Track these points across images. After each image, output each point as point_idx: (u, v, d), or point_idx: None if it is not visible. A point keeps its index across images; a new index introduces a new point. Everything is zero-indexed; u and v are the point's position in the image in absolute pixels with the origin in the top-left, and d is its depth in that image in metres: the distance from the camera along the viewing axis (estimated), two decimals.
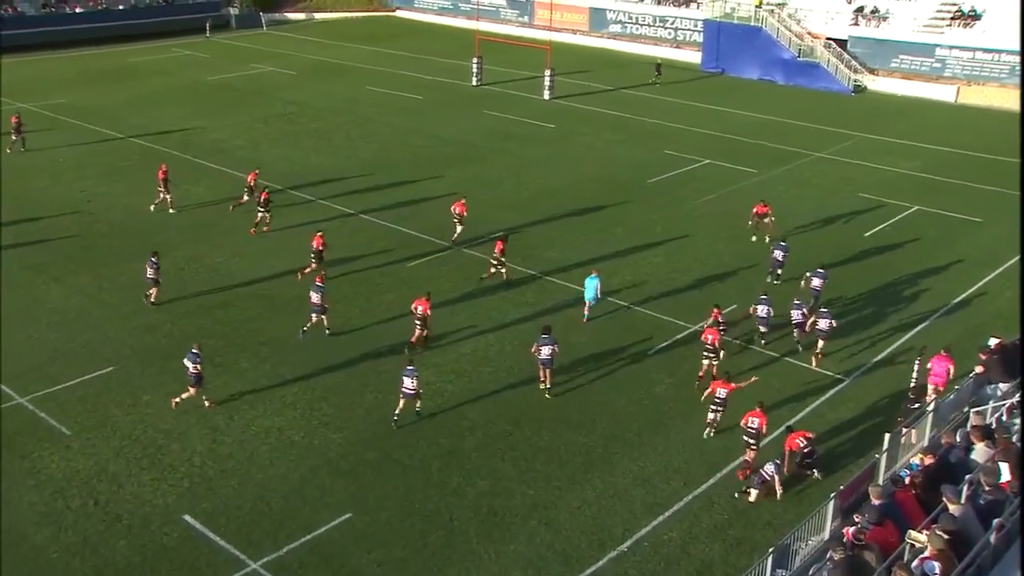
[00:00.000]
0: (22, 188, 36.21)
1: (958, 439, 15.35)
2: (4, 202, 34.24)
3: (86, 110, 48.73)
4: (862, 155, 42.82)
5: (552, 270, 29.52)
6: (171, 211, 34.00)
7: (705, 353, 22.77)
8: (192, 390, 21.48)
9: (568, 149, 43.42)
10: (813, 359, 24.01)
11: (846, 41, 58.80)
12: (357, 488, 19.16)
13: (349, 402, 22.23)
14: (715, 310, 23.77)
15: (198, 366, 21.27)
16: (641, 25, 69.18)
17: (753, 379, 21.62)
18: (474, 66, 56.35)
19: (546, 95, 53.01)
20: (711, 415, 20.84)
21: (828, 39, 58.75)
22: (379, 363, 23.91)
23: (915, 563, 11.23)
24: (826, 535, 14.72)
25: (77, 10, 70.13)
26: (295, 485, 19.23)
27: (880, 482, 15.33)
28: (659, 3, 68.78)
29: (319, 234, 28.75)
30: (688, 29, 66.22)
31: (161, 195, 34.07)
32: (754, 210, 31.51)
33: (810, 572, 13.67)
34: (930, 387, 20.84)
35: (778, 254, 28.37)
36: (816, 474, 19.36)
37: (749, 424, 19.26)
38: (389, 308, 26.82)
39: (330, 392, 22.65)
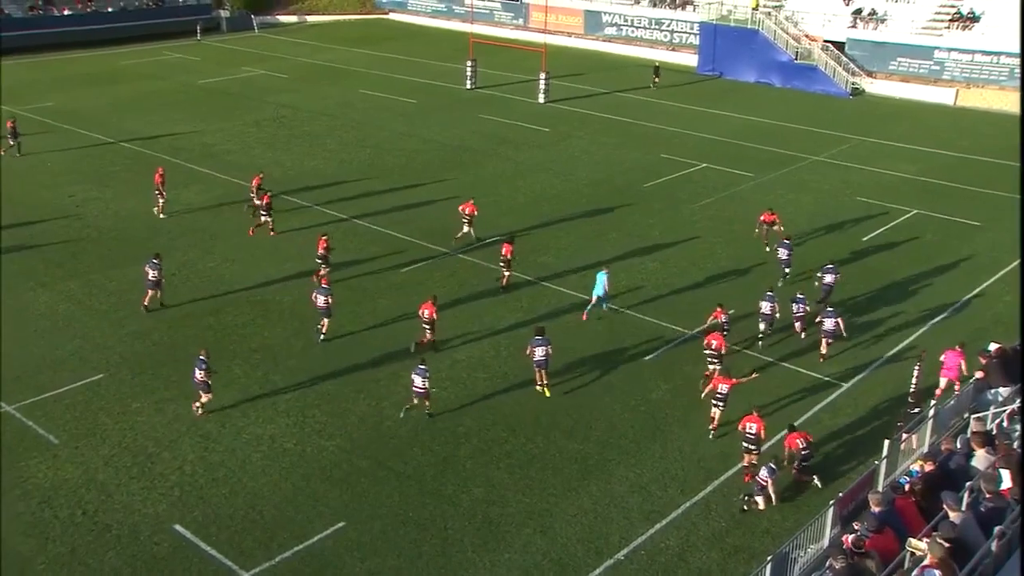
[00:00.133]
0: (10, 192, 36.12)
1: (958, 445, 15.36)
2: None
3: (75, 114, 48.69)
4: (860, 158, 42.91)
5: (547, 275, 29.53)
6: (161, 216, 33.95)
7: (709, 357, 22.85)
8: (205, 396, 21.60)
9: (564, 153, 43.46)
10: (820, 358, 24.39)
11: (844, 43, 58.93)
12: (350, 496, 19.12)
13: (342, 409, 22.19)
14: (718, 310, 23.93)
15: (202, 372, 21.37)
16: (636, 28, 69.30)
17: (754, 375, 21.91)
18: (468, 69, 56.39)
19: (541, 98, 53.06)
20: (714, 410, 21.09)
21: (826, 41, 58.88)
22: (373, 370, 23.89)
23: (915, 571, 11.22)
24: (825, 543, 14.71)
25: (65, 12, 70.08)
26: (287, 493, 19.18)
27: (880, 489, 15.31)
28: (654, 5, 68.94)
29: (323, 237, 28.79)
30: (684, 32, 66.34)
31: (160, 200, 34.10)
32: (761, 218, 31.43)
33: None
34: (943, 381, 21.00)
35: (783, 252, 28.68)
36: (816, 481, 19.40)
37: (747, 430, 19.32)
38: (382, 314, 26.80)
39: (323, 399, 22.60)
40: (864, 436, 21.20)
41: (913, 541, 12.06)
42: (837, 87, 56.90)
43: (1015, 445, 14.57)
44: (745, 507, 18.74)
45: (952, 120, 51.02)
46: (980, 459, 14.61)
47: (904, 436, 17.26)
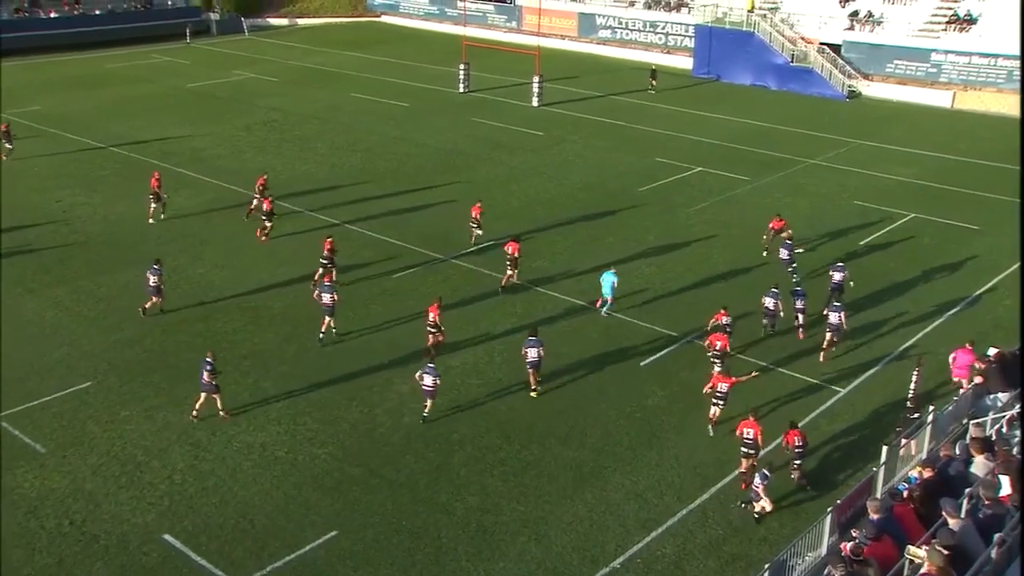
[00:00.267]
0: None
1: (957, 451, 15.37)
2: None
3: (62, 117, 48.61)
4: (857, 162, 43.02)
5: (542, 280, 29.54)
6: (150, 221, 33.92)
7: (712, 357, 23.14)
8: (214, 398, 21.70)
9: (558, 157, 43.51)
10: (821, 354, 24.76)
11: (840, 46, 59.11)
12: (343, 505, 19.08)
13: (334, 417, 22.16)
14: (721, 312, 24.14)
15: (207, 374, 21.49)
16: (631, 30, 69.44)
17: (754, 373, 22.28)
18: (461, 72, 56.42)
19: (535, 102, 53.12)
20: (713, 409, 21.33)
21: (822, 44, 59.05)
22: (365, 376, 23.86)
23: None
24: (823, 550, 14.71)
25: (52, 14, 69.99)
26: (279, 502, 19.14)
27: (878, 496, 15.33)
28: (649, 8, 69.10)
29: (329, 239, 28.83)
30: (679, 34, 66.50)
31: (160, 204, 34.13)
32: (770, 225, 31.48)
33: None
34: (955, 379, 21.08)
35: (783, 252, 29.27)
36: (806, 486, 19.50)
37: (745, 435, 19.38)
38: (375, 320, 26.78)
39: (315, 406, 22.57)
40: (862, 442, 21.23)
41: (912, 548, 12.07)
42: (833, 90, 57.07)
43: (1014, 451, 14.60)
44: (756, 516, 18.73)
45: (949, 123, 51.19)
46: (979, 465, 14.63)
47: (903, 442, 17.29)
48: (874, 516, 13.41)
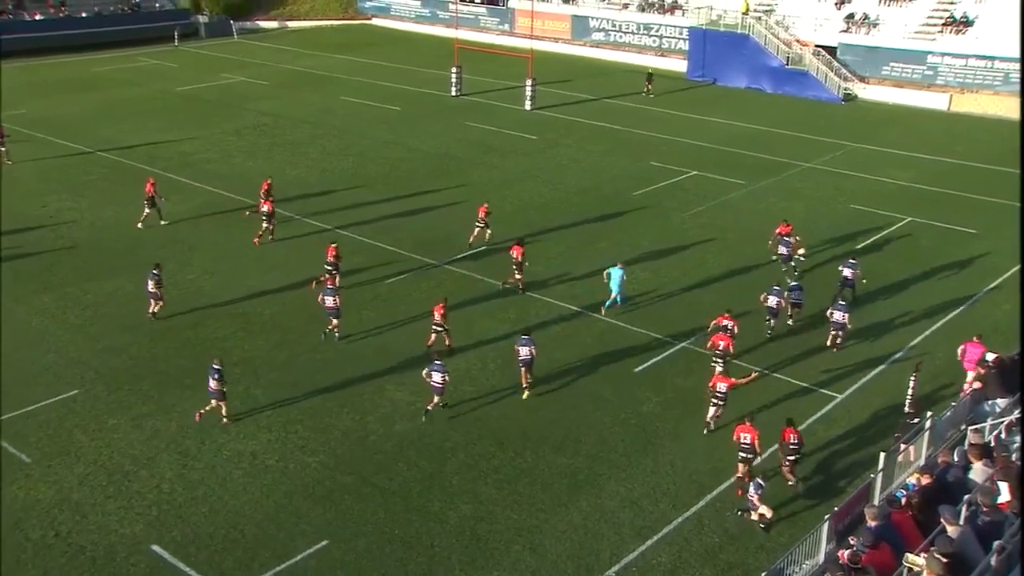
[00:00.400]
0: None
1: (955, 458, 15.39)
2: None
3: (48, 122, 48.51)
4: (853, 165, 43.14)
5: (535, 285, 29.52)
6: (139, 225, 33.86)
7: (714, 358, 23.36)
8: (215, 403, 21.77)
9: (551, 161, 43.55)
10: (833, 348, 25.42)
11: (835, 48, 59.27)
12: (334, 514, 19.04)
13: (325, 424, 22.12)
14: (725, 315, 24.37)
15: (214, 381, 21.54)
16: (625, 33, 69.57)
17: (753, 375, 22.40)
18: (453, 76, 56.46)
19: (528, 105, 53.19)
20: (712, 410, 21.49)
21: (817, 46, 59.19)
22: (357, 383, 23.83)
23: None
24: (821, 558, 14.72)
25: (37, 17, 69.80)
26: (269, 511, 19.09)
27: (876, 503, 15.35)
28: (643, 10, 69.24)
29: (333, 244, 28.94)
30: (673, 37, 66.62)
31: (154, 209, 34.11)
32: (777, 231, 31.55)
33: None
34: (969, 375, 21.22)
35: (782, 249, 29.86)
36: (797, 485, 19.64)
37: (742, 440, 19.43)
38: (367, 326, 26.75)
39: (306, 414, 22.52)
40: (859, 448, 21.25)
41: (910, 556, 12.07)
42: (829, 93, 57.23)
43: (1013, 457, 14.62)
44: (744, 517, 18.73)
45: (946, 126, 51.37)
46: (978, 472, 14.64)
47: (903, 446, 17.31)
48: (872, 523, 13.42)
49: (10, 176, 39.59)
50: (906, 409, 21.32)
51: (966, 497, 13.50)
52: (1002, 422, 16.93)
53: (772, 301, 25.92)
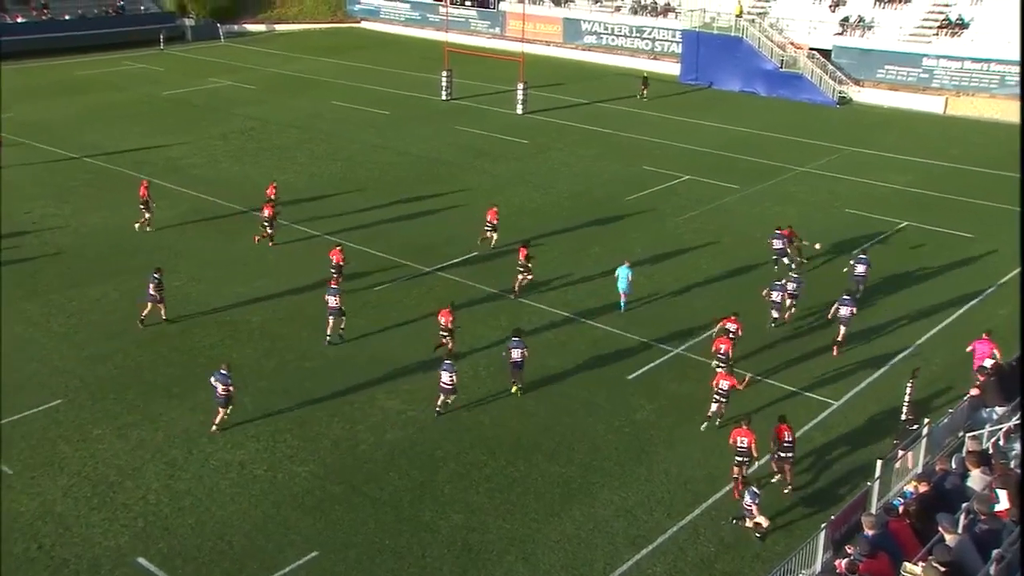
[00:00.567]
0: None
1: (953, 465, 15.41)
2: None
3: (32, 126, 48.36)
4: (848, 169, 43.27)
5: (527, 291, 29.50)
6: (136, 227, 34.06)
7: (717, 360, 23.56)
8: (222, 411, 21.77)
9: (543, 165, 43.59)
10: (834, 348, 25.65)
11: (830, 51, 59.47)
12: (324, 524, 18.98)
13: (315, 433, 22.06)
14: (731, 317, 24.62)
15: (229, 387, 21.59)
16: (617, 36, 69.70)
17: (748, 377, 22.86)
18: (444, 79, 56.51)
19: (519, 109, 53.23)
20: (714, 406, 21.82)
21: (812, 49, 59.42)
22: (347, 392, 23.77)
23: None
24: (818, 568, 14.71)
25: (19, 19, 69.55)
26: (258, 522, 19.02)
27: (873, 511, 15.35)
28: (635, 13, 69.39)
29: (338, 248, 29.16)
30: (666, 40, 66.79)
31: (145, 215, 34.17)
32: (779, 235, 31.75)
33: None
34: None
35: (777, 243, 30.47)
36: (790, 484, 19.79)
37: (738, 443, 19.49)
38: (357, 333, 26.69)
39: (295, 423, 22.46)
40: (856, 455, 21.27)
41: (908, 565, 12.08)
42: (824, 96, 57.41)
43: (1012, 464, 14.64)
44: (739, 525, 18.74)
45: (942, 129, 51.57)
46: (976, 479, 14.66)
47: (900, 453, 17.32)
48: (869, 532, 13.42)
49: None
50: (903, 416, 21.34)
51: (964, 505, 13.52)
52: (1000, 429, 16.95)
53: (775, 295, 26.63)
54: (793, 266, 29.81)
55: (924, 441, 17.43)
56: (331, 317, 26.07)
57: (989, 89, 54.11)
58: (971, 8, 56.40)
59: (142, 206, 34.01)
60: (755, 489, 18.66)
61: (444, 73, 56.50)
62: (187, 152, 44.79)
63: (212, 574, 17.57)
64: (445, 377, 22.30)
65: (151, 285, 26.74)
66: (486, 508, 19.52)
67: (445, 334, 24.91)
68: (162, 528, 18.78)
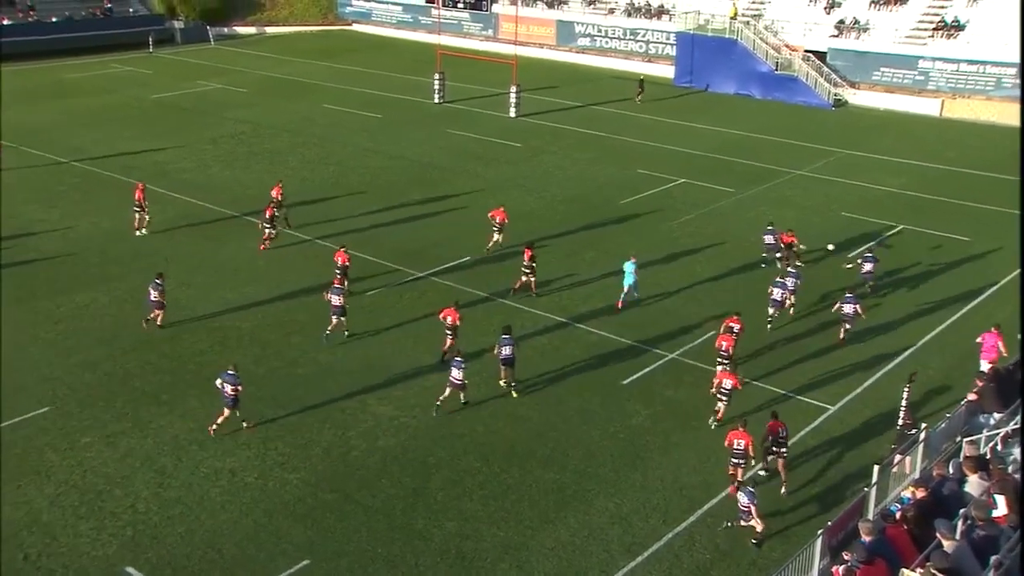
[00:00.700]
0: None
1: (951, 470, 15.43)
2: None
3: (19, 130, 48.17)
4: (844, 172, 43.36)
5: (521, 296, 29.50)
6: (141, 232, 34.18)
7: (720, 361, 23.67)
8: (227, 412, 21.80)
9: (537, 169, 43.61)
10: (839, 341, 26.30)
11: (825, 53, 59.61)
12: (315, 533, 18.94)
13: (306, 440, 22.01)
14: (734, 317, 24.70)
15: (238, 387, 21.64)
16: (611, 38, 69.82)
17: (743, 379, 23.16)
18: (436, 82, 56.52)
19: (512, 112, 53.26)
20: (720, 404, 22.12)
21: (807, 51, 59.54)
22: (338, 398, 23.73)
23: None
24: (814, 574, 14.72)
25: (5, 22, 69.32)
26: (248, 531, 18.97)
27: (870, 517, 15.37)
28: (629, 15, 69.51)
29: (342, 249, 29.26)
30: (660, 42, 66.90)
31: (144, 217, 34.21)
32: (781, 240, 31.75)
33: None
34: (983, 363, 21.33)
35: (768, 238, 31.49)
36: (785, 482, 19.94)
37: (735, 445, 19.59)
38: (348, 339, 26.66)
39: (286, 430, 22.41)
40: (853, 461, 21.28)
41: (906, 572, 12.09)
42: (819, 98, 57.55)
43: (1010, 469, 14.66)
44: (734, 527, 18.75)
45: (938, 131, 51.72)
46: (973, 485, 14.67)
47: (896, 459, 17.33)
48: (866, 538, 13.43)
49: None
50: (900, 421, 21.36)
51: (962, 511, 13.53)
52: (998, 434, 16.97)
53: (776, 293, 27.08)
54: (791, 269, 29.83)
55: (921, 446, 17.45)
56: (334, 316, 26.25)
57: (985, 91, 54.28)
58: (967, 10, 56.60)
59: (138, 209, 33.96)
60: (751, 489, 18.66)
61: (436, 76, 56.52)
62: (176, 156, 44.71)
63: None
64: (456, 373, 22.56)
65: (155, 291, 26.67)
66: (480, 515, 19.50)
67: (450, 332, 25.02)
68: (151, 537, 18.72)
